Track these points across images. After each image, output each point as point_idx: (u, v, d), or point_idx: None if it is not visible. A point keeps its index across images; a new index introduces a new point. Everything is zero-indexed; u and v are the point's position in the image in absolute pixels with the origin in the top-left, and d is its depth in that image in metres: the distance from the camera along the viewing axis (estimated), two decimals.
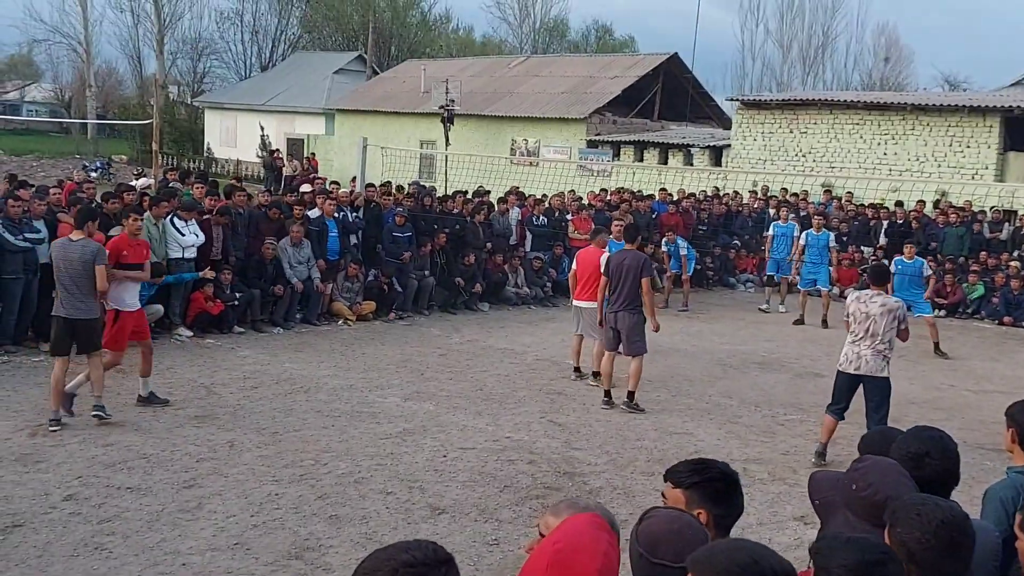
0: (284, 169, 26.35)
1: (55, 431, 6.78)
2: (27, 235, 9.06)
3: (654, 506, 2.32)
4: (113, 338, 7.32)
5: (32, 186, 10.93)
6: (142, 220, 7.97)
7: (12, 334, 9.13)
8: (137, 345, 7.62)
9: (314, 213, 11.92)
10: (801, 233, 13.71)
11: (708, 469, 2.47)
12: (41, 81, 57.28)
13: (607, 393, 8.39)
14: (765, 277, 15.02)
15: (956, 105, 19.20)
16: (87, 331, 7.03)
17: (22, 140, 43.97)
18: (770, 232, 14.50)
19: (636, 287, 8.12)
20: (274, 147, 30.93)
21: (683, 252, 14.34)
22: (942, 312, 14.48)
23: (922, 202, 16.84)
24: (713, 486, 2.44)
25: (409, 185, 15.60)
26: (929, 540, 2.18)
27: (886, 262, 15.51)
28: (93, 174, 24.47)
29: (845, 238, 16.36)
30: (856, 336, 6.90)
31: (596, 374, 9.06)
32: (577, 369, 9.43)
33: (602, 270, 8.70)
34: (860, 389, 7.01)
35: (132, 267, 7.45)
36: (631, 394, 8.24)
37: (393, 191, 13.89)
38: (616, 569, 2.00)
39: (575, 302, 9.37)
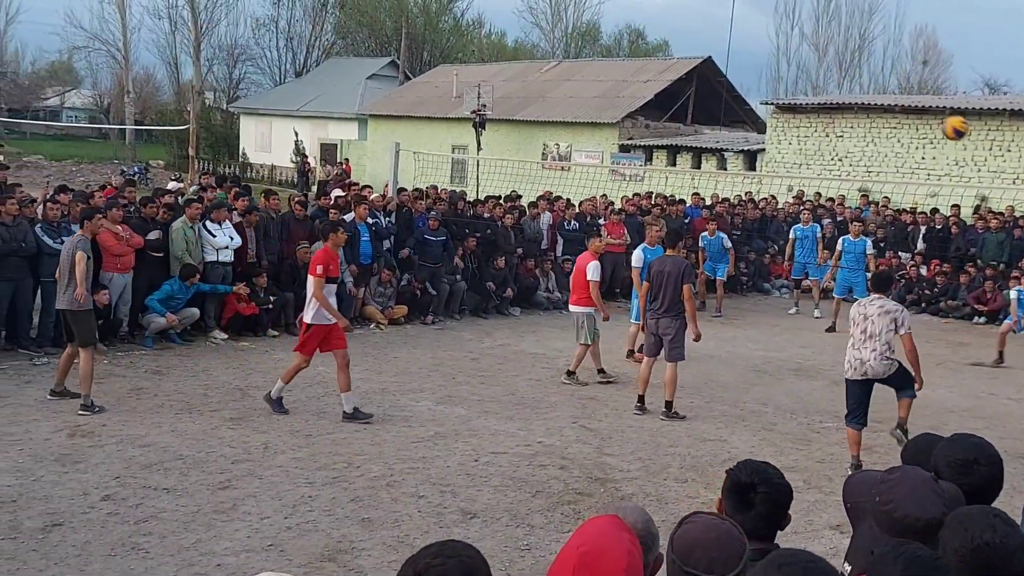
0: (316, 174, 26.63)
1: (82, 415, 7.19)
2: (65, 238, 9.21)
3: (696, 511, 2.29)
4: (302, 344, 7.65)
5: (72, 190, 11.16)
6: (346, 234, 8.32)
7: (51, 336, 9.31)
8: (332, 356, 7.67)
9: (348, 217, 12.01)
10: (839, 238, 13.55)
11: (735, 468, 2.47)
12: (81, 87, 58.38)
13: (640, 399, 8.34)
14: (792, 281, 14.88)
15: (996, 109, 18.81)
16: (75, 321, 7.43)
17: (62, 145, 44.95)
18: (792, 236, 14.37)
19: (678, 293, 8.09)
20: (303, 152, 31.24)
21: (727, 245, 14.06)
22: (982, 319, 14.19)
23: (957, 206, 16.49)
24: (730, 477, 2.44)
25: (428, 188, 15.62)
26: (965, 557, 2.14)
27: (925, 268, 15.46)
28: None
29: (882, 244, 16.12)
30: (856, 340, 6.81)
31: (571, 373, 9.35)
32: (601, 371, 9.45)
33: (590, 277, 9.15)
34: (873, 393, 6.93)
35: (331, 280, 7.66)
36: (669, 404, 8.18)
37: (425, 195, 13.92)
38: (640, 568, 1.98)
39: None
